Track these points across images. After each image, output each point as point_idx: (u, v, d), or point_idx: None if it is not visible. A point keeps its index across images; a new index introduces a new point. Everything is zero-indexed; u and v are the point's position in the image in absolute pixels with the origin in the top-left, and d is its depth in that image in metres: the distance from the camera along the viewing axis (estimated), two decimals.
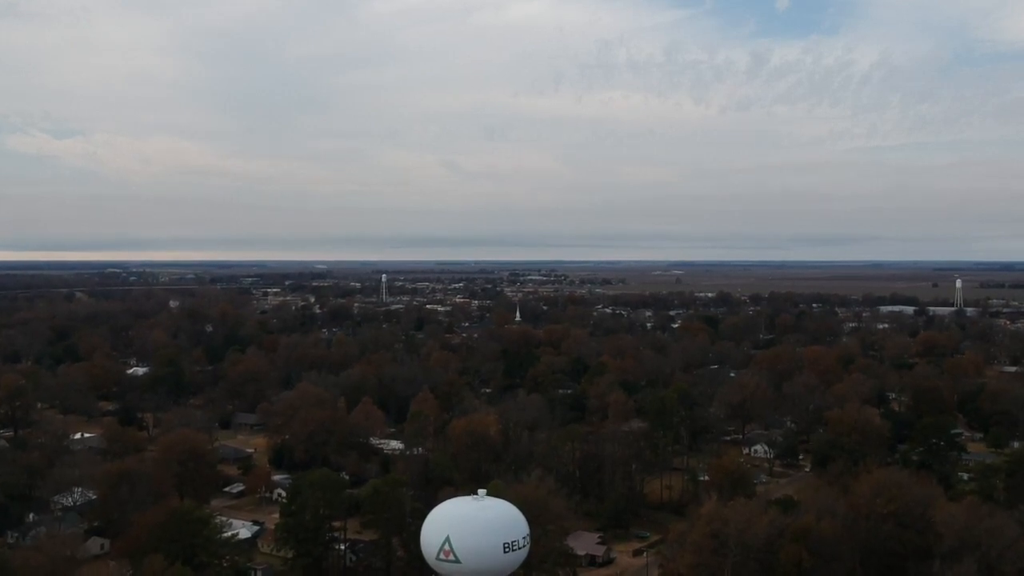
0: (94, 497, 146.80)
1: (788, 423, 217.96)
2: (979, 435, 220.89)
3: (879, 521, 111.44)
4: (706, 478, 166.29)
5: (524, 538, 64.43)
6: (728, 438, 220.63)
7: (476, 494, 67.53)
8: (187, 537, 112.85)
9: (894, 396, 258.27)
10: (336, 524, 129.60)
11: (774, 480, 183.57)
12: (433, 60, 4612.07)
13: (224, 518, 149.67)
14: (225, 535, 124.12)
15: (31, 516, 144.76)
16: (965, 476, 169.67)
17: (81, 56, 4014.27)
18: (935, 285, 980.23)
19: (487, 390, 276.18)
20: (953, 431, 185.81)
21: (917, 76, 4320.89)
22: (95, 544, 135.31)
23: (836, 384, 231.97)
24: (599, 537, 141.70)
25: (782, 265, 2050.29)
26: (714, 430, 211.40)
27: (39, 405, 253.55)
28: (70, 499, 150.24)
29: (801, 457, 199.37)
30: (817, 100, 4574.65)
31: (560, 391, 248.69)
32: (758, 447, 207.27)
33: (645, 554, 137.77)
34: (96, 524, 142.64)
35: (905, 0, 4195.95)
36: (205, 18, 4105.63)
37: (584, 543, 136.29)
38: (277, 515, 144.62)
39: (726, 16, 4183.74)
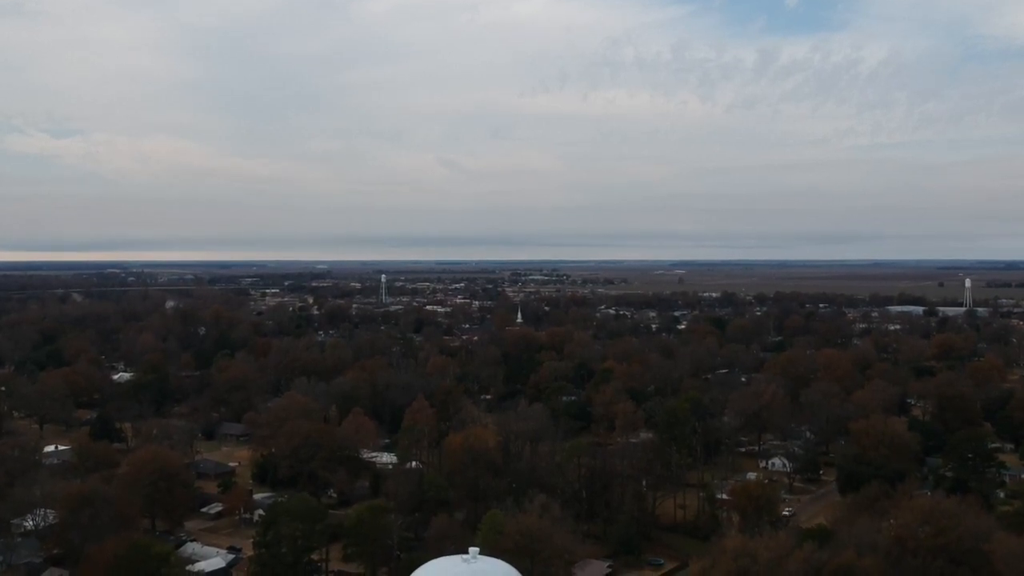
0: (56, 520, 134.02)
1: (807, 433, 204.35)
2: (1009, 446, 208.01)
3: (928, 557, 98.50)
4: (723, 496, 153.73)
5: None
6: (743, 450, 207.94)
7: (467, 552, 55.20)
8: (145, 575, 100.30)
9: (915, 403, 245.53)
10: (316, 556, 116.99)
11: (795, 497, 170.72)
12: (437, 58, 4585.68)
13: (197, 544, 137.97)
14: (192, 569, 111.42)
15: None
16: (1001, 494, 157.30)
17: (82, 55, 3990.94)
18: (941, 284, 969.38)
19: (487, 397, 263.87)
20: (991, 444, 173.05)
21: (924, 74, 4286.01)
22: None
23: (856, 391, 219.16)
24: (608, 566, 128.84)
25: (783, 264, 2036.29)
26: (728, 441, 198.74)
27: (15, 415, 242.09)
28: (31, 522, 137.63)
29: (822, 471, 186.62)
30: (823, 98, 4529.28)
31: (564, 398, 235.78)
32: (775, 460, 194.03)
33: None
34: (56, 552, 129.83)
35: None
36: (205, 17, 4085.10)
37: (592, 574, 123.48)
38: None
39: (735, 12, 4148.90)
